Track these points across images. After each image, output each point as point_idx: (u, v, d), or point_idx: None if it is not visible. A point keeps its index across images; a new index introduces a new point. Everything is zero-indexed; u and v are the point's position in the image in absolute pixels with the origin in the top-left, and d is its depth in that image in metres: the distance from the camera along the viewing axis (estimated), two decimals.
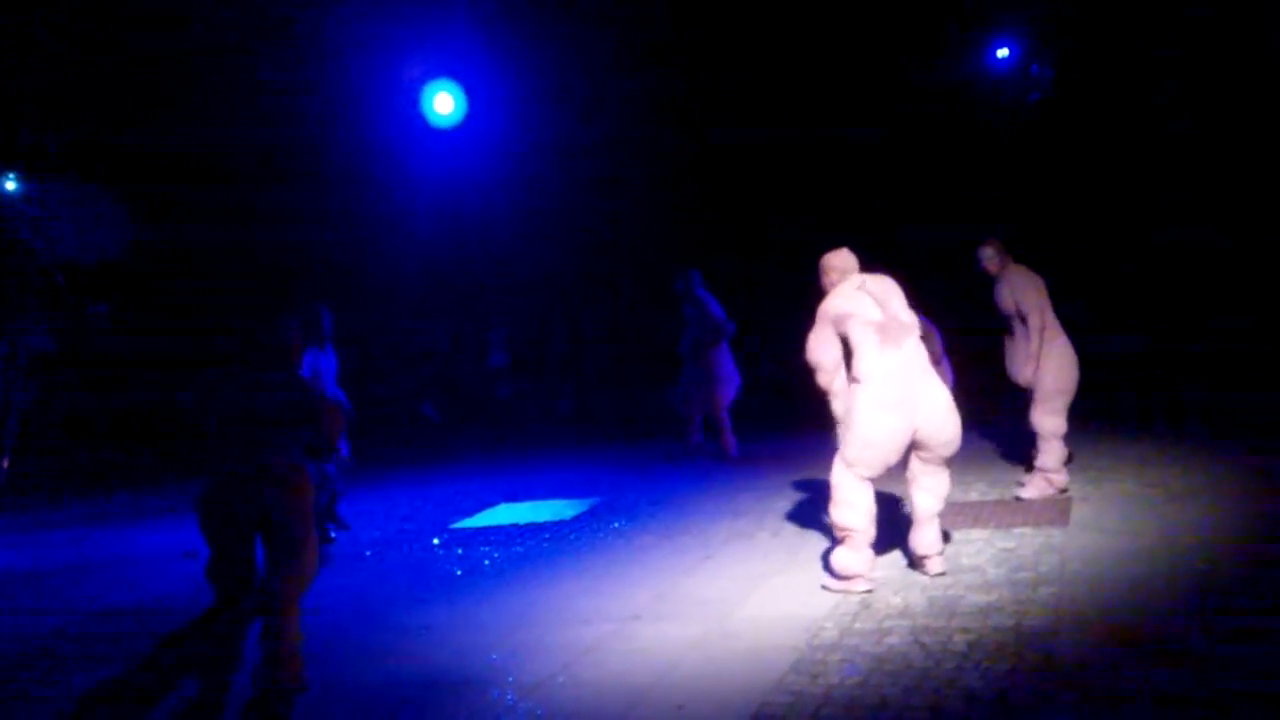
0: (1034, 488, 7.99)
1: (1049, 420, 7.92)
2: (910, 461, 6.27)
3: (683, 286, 10.94)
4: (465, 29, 13.90)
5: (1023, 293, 7.85)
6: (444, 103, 13.85)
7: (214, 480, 5.30)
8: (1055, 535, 6.95)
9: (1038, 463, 8.00)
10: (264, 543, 5.35)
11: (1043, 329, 7.81)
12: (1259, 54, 13.22)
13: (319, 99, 13.98)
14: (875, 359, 6.06)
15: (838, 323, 6.17)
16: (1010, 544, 6.85)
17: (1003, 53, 14.97)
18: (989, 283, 8.09)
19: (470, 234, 16.14)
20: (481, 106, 14.26)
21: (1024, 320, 7.87)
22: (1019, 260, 8.01)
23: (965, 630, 5.41)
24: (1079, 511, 7.48)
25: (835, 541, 6.37)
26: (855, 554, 6.16)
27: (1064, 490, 7.97)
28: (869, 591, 6.12)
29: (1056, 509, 7.60)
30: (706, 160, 15.38)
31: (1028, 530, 7.13)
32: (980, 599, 5.86)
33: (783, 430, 12.03)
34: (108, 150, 13.21)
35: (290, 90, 13.80)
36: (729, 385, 10.99)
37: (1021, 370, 7.90)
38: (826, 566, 6.36)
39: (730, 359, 10.99)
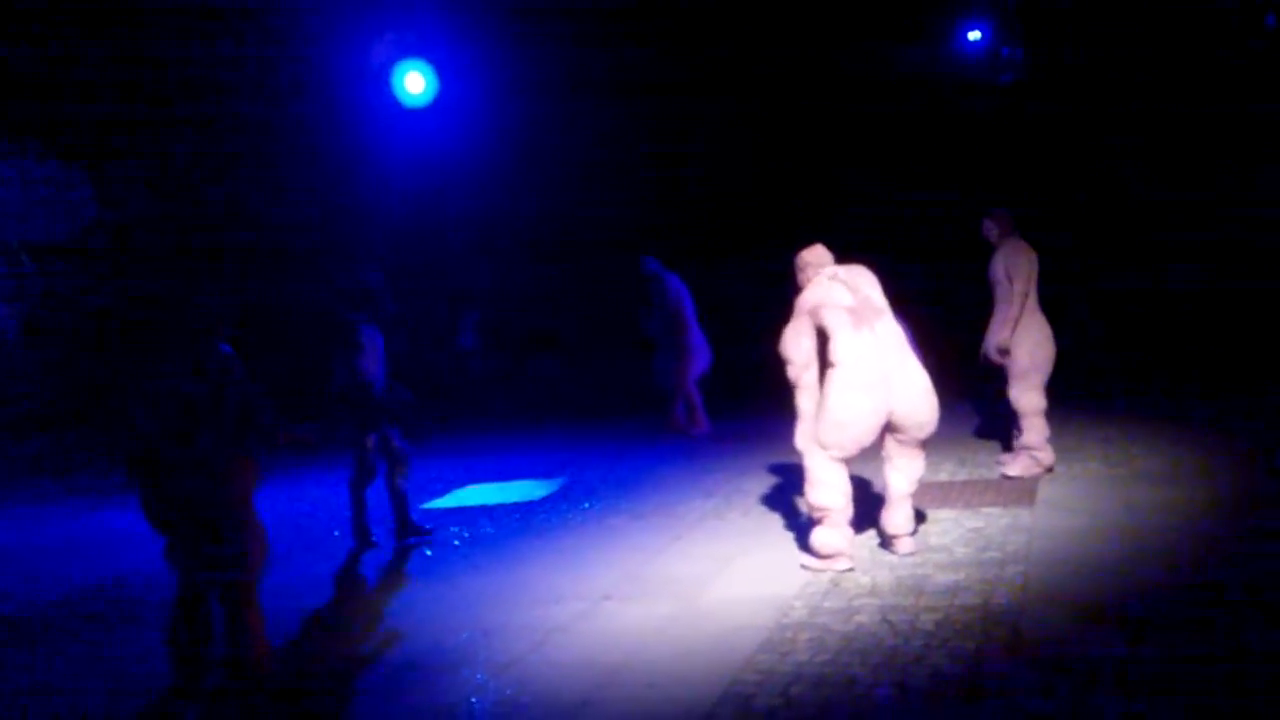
0: (1019, 465, 8.01)
1: (1027, 397, 7.94)
2: (885, 442, 6.31)
3: (649, 269, 11.12)
4: (436, 8, 13.82)
5: (1014, 262, 7.84)
6: (415, 82, 13.78)
7: (144, 471, 5.19)
8: (1022, 515, 7.01)
9: (1022, 441, 8.01)
10: (208, 531, 5.26)
11: (1025, 297, 7.82)
12: (1227, 30, 13.33)
13: (288, 77, 13.88)
14: (849, 342, 6.09)
15: (813, 313, 6.20)
16: (978, 523, 6.91)
17: (974, 35, 15.02)
18: (986, 254, 8.09)
19: (441, 214, 16.08)
20: (453, 86, 14.21)
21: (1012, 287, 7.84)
22: (1023, 235, 8.01)
23: (933, 609, 5.46)
24: (1046, 491, 7.54)
25: (809, 521, 6.40)
26: (835, 532, 6.21)
27: (1050, 468, 7.99)
28: (850, 569, 6.15)
29: (1024, 489, 7.66)
30: (678, 140, 15.37)
31: (995, 510, 7.18)
32: (948, 578, 5.91)
33: (754, 410, 12.06)
34: (70, 125, 13.06)
35: (259, 68, 13.71)
36: (698, 359, 11.16)
37: (996, 334, 7.88)
38: (806, 546, 6.39)
39: (700, 334, 11.14)
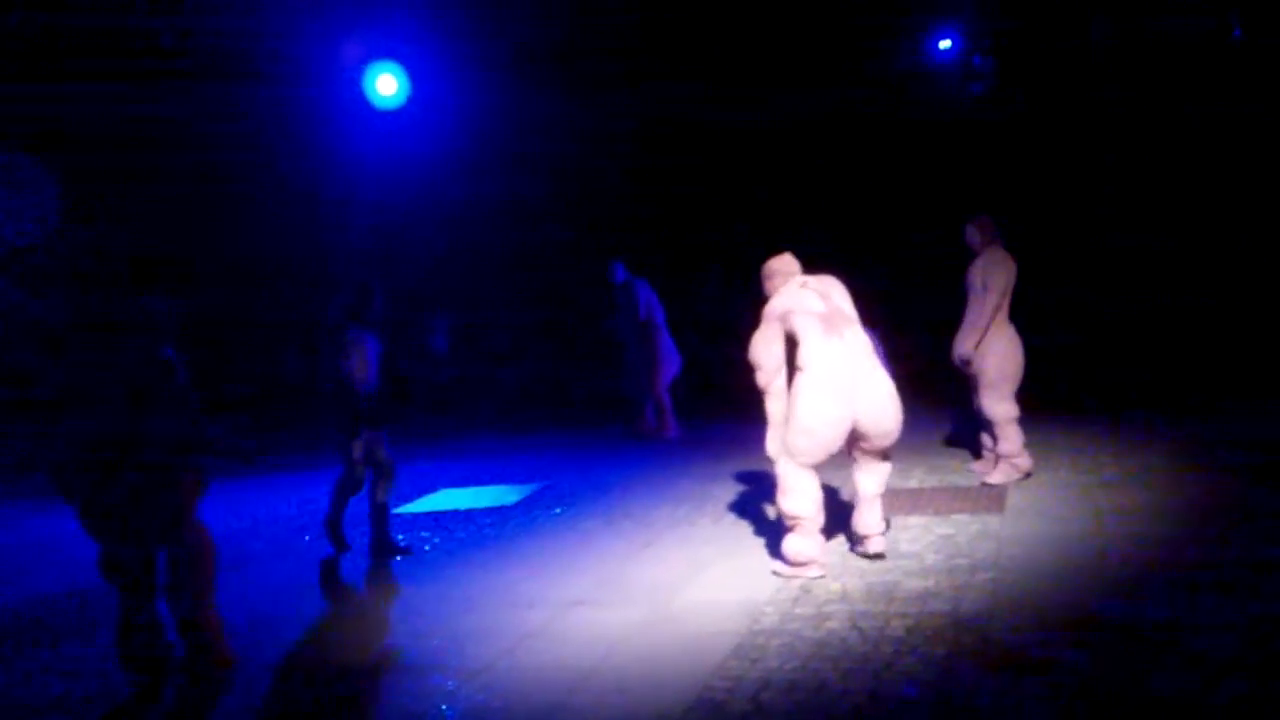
0: (1000, 473, 8.03)
1: (999, 406, 7.96)
2: (853, 450, 6.34)
3: (619, 276, 11.19)
4: (407, 9, 13.79)
5: (993, 272, 7.85)
6: (387, 84, 13.76)
7: (79, 476, 5.11)
8: (992, 522, 7.05)
9: (999, 449, 8.03)
10: (152, 537, 5.21)
11: (996, 309, 7.85)
12: (1194, 34, 13.48)
13: (260, 77, 13.81)
14: (817, 348, 6.12)
15: (783, 319, 6.22)
16: (948, 530, 6.94)
17: (945, 44, 15.11)
18: (962, 261, 8.11)
19: (412, 217, 16.03)
20: (425, 87, 14.18)
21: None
22: (1005, 245, 8.03)
23: (903, 615, 5.49)
24: (1015, 498, 7.59)
25: (779, 528, 6.41)
26: (806, 539, 6.22)
27: (1028, 474, 8.02)
28: (822, 576, 6.17)
29: (993, 496, 7.70)
30: (650, 144, 15.38)
31: (965, 516, 7.22)
32: (918, 584, 5.94)
33: (724, 416, 12.08)
34: (34, 123, 12.94)
35: (229, 66, 13.63)
36: (669, 365, 11.22)
37: (963, 342, 7.91)
38: (777, 553, 6.40)
39: (670, 340, 11.21)
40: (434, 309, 15.43)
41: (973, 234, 8.09)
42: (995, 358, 7.90)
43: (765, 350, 6.26)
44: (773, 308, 6.34)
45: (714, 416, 12.17)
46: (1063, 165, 14.65)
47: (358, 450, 7.39)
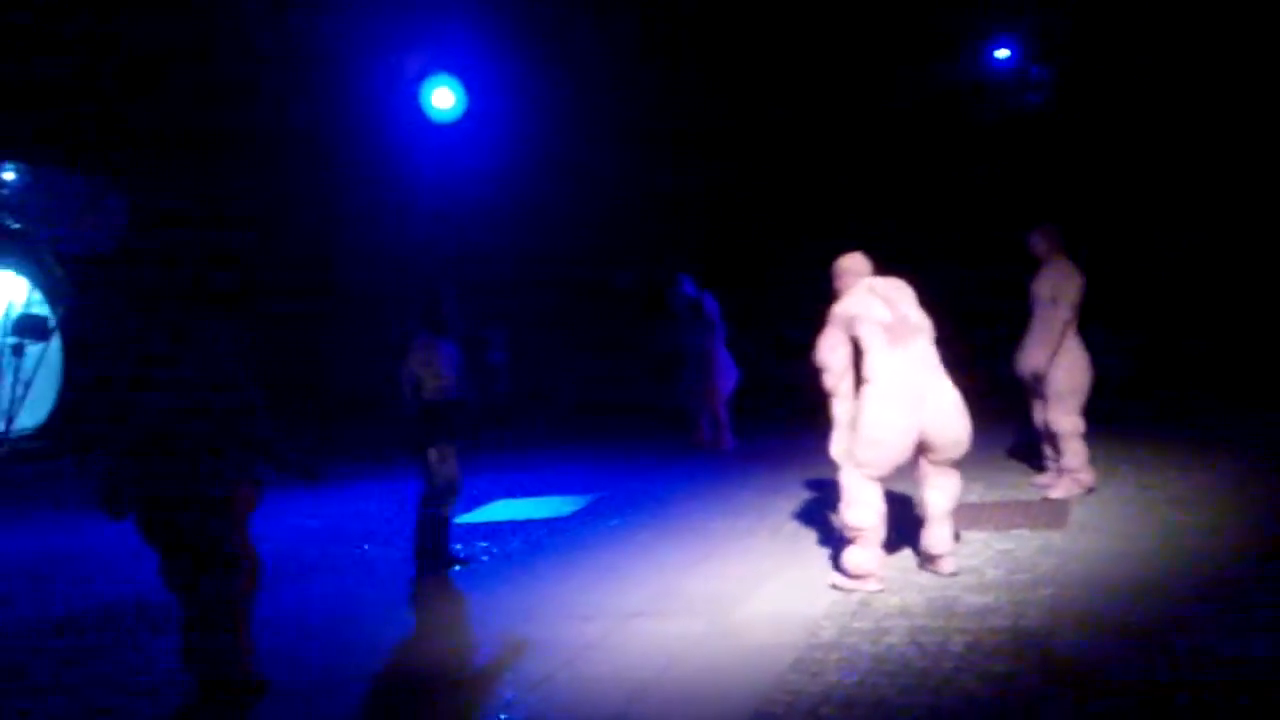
0: (1062, 488, 7.97)
1: (1067, 420, 7.89)
2: (920, 462, 6.29)
3: (688, 289, 11.25)
4: (466, 24, 13.91)
5: (1065, 287, 7.80)
6: (444, 97, 13.88)
7: (136, 499, 5.14)
8: (1054, 537, 6.98)
9: (1063, 463, 7.97)
10: (195, 558, 5.22)
11: (1069, 324, 7.80)
12: (1257, 54, 13.26)
13: (320, 95, 14.00)
14: (883, 359, 6.11)
15: (848, 325, 6.21)
16: (1008, 545, 6.88)
17: (1002, 54, 15.00)
18: (1031, 270, 8.03)
19: (470, 230, 16.14)
20: (481, 101, 14.30)
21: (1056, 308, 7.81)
22: (1072, 255, 7.96)
23: (963, 631, 5.44)
24: (1078, 513, 7.51)
25: (839, 540, 6.39)
26: (867, 552, 6.18)
27: (1091, 489, 7.94)
28: (880, 590, 6.12)
29: (1055, 511, 7.62)
30: (709, 160, 15.40)
31: (1026, 532, 7.15)
32: (978, 600, 5.89)
33: (782, 428, 12.06)
34: (104, 136, 13.20)
35: (291, 84, 13.82)
36: (727, 379, 11.24)
37: (1035, 359, 7.84)
38: (837, 565, 6.36)
39: (727, 354, 11.24)
40: (491, 322, 15.52)
41: (1038, 243, 8.02)
42: (1064, 371, 7.83)
43: (831, 352, 6.25)
44: (839, 310, 6.31)
45: (770, 429, 12.16)
46: (1121, 174, 14.47)
47: (433, 458, 7.27)
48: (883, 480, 6.21)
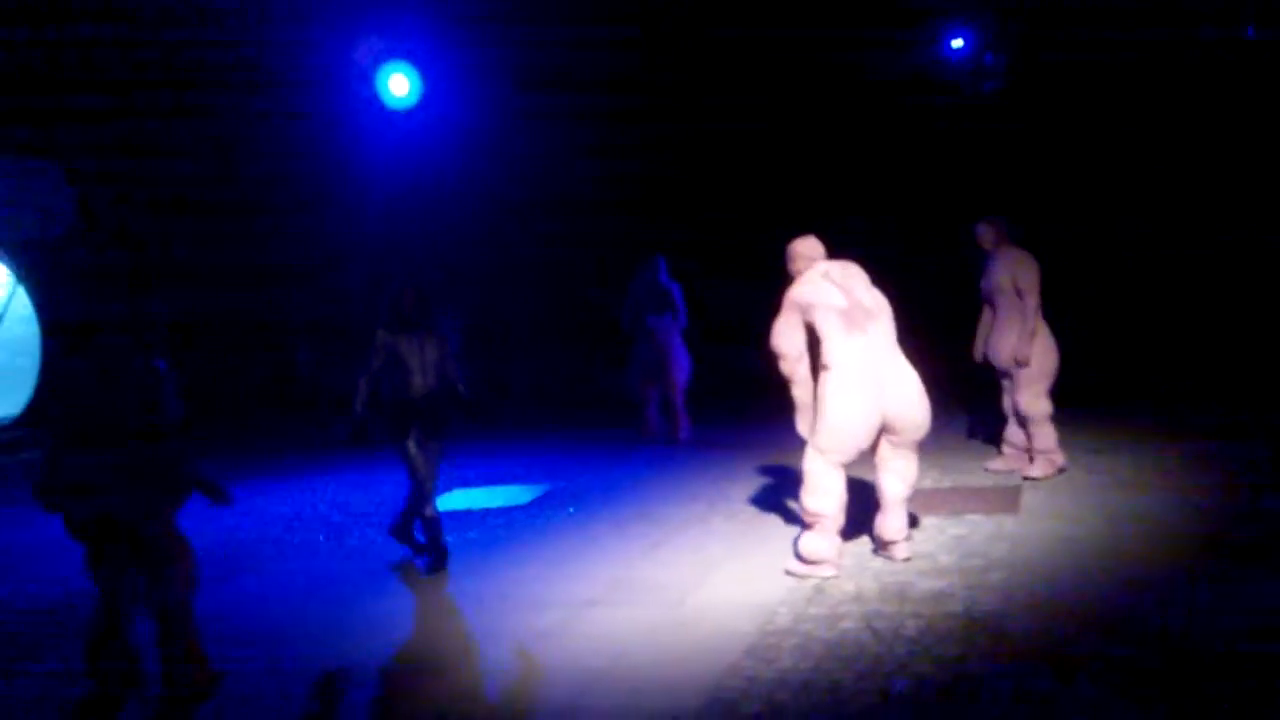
0: (1039, 468, 8.09)
1: (1037, 403, 8.03)
2: (880, 446, 6.31)
3: (663, 276, 11.16)
4: (420, 10, 13.81)
5: (1026, 275, 7.93)
6: (399, 84, 13.79)
7: (70, 490, 5.03)
8: (1006, 522, 7.04)
9: (1035, 445, 8.10)
10: (130, 546, 5.13)
11: (1037, 309, 7.94)
12: (1212, 40, 13.41)
13: (272, 77, 13.85)
14: (841, 345, 6.13)
15: (804, 311, 6.23)
16: (961, 530, 6.93)
17: (957, 43, 15.05)
18: (978, 261, 8.20)
19: (424, 217, 16.05)
20: (438, 88, 14.20)
21: (1020, 297, 7.93)
22: (1018, 242, 8.11)
23: (917, 615, 5.48)
24: (1029, 498, 7.58)
25: (801, 526, 6.40)
26: (824, 539, 6.21)
27: (1063, 469, 8.11)
28: (835, 576, 6.15)
29: (1007, 496, 7.69)
30: (659, 146, 15.37)
31: (979, 517, 7.21)
32: (932, 585, 5.92)
33: (735, 415, 12.08)
34: (49, 120, 13.01)
35: (242, 67, 13.68)
36: (682, 369, 11.21)
37: (1017, 348, 7.96)
38: (794, 551, 6.38)
39: (682, 344, 11.20)
40: (444, 309, 15.45)
41: (984, 233, 8.18)
42: (1035, 355, 7.96)
43: (786, 337, 6.27)
44: (794, 296, 6.32)
45: (722, 417, 12.17)
46: (1075, 163, 14.60)
47: (408, 452, 7.03)
48: (845, 466, 6.22)
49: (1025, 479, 8.07)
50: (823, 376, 6.21)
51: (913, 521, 6.80)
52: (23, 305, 13.97)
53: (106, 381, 5.10)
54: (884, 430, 6.24)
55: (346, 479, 10.73)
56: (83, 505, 5.03)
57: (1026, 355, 7.94)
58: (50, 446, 5.12)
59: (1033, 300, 7.92)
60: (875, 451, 6.36)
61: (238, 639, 6.16)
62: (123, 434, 5.01)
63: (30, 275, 13.86)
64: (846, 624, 5.46)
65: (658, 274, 11.21)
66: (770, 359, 6.37)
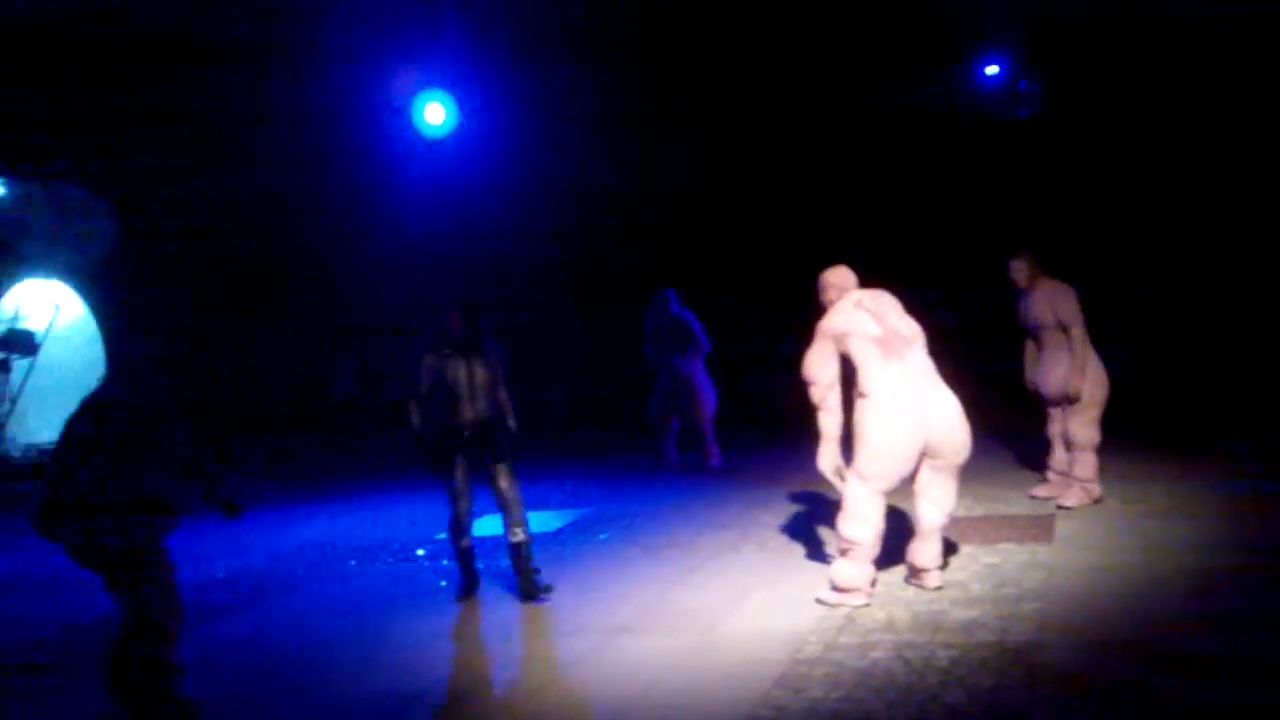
0: (1074, 497, 8.05)
1: (1086, 431, 8.00)
2: (919, 472, 6.28)
3: (674, 306, 11.16)
4: (457, 40, 13.95)
5: (1065, 304, 7.94)
6: (435, 113, 13.94)
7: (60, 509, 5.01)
8: (1039, 551, 6.99)
9: (1075, 472, 8.06)
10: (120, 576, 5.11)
11: (1085, 340, 7.94)
12: (1248, 71, 13.32)
13: (310, 109, 14.05)
14: (879, 373, 6.12)
15: (838, 341, 6.23)
16: (994, 559, 6.88)
17: (992, 70, 15.04)
18: (1014, 296, 8.22)
19: (461, 244, 16.17)
20: (473, 117, 14.33)
21: (1064, 330, 7.94)
22: (1051, 273, 8.11)
23: (949, 645, 5.43)
24: (1063, 527, 7.52)
25: (827, 556, 6.37)
26: (857, 568, 6.16)
27: (1099, 500, 8.04)
28: (866, 605, 6.10)
29: (1041, 525, 7.63)
30: (694, 178, 15.43)
31: (1012, 546, 7.16)
32: (964, 614, 5.88)
33: (766, 443, 12.06)
34: (97, 155, 13.25)
35: (281, 100, 13.88)
36: (709, 399, 11.20)
37: (1069, 380, 7.94)
38: (825, 581, 6.34)
39: (706, 373, 11.21)
40: (491, 332, 15.53)
41: (1018, 270, 8.19)
42: (1089, 383, 7.95)
43: (819, 366, 6.25)
44: (828, 326, 6.32)
45: (751, 445, 12.16)
46: (1111, 190, 14.52)
47: (451, 484, 6.91)
48: (888, 494, 6.19)
49: (1059, 508, 8.00)
50: (861, 404, 6.20)
51: (949, 549, 6.75)
52: (71, 328, 14.28)
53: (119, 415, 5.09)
54: (925, 455, 6.21)
55: (379, 503, 10.80)
56: (75, 534, 5.03)
57: (1078, 388, 7.93)
58: (53, 477, 5.10)
59: (1078, 331, 7.92)
60: (914, 478, 6.33)
61: (267, 663, 6.22)
62: (128, 463, 5.00)
63: (97, 302, 14.19)
64: (877, 653, 5.42)
65: (668, 306, 11.21)
66: (802, 387, 6.35)
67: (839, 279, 6.51)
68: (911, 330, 6.36)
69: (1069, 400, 8.01)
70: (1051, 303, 7.98)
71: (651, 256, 14.47)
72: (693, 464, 11.28)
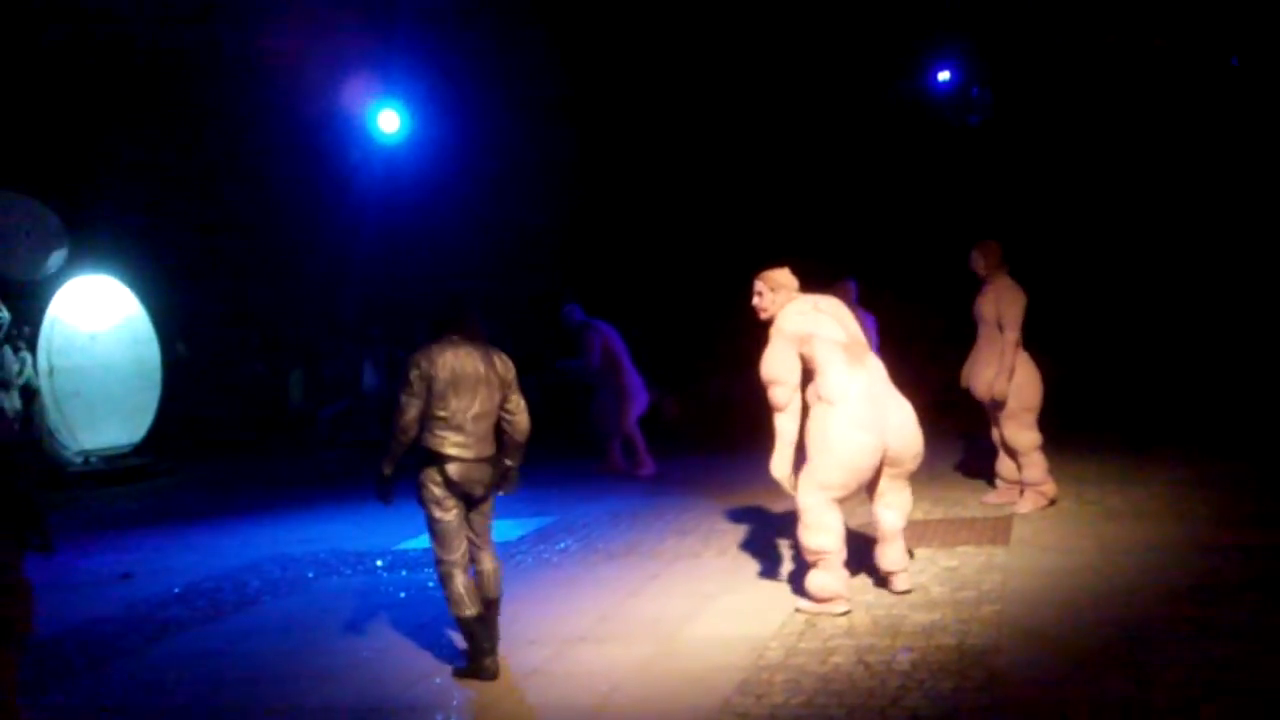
0: (1028, 502, 8.00)
1: (1024, 435, 7.93)
2: (878, 481, 6.26)
3: (575, 318, 11.19)
4: (409, 50, 13.96)
5: (1008, 304, 7.83)
6: (389, 120, 13.93)
7: None
8: (997, 554, 7.02)
9: (1024, 477, 8.01)
10: None
11: (1017, 345, 7.84)
12: (1192, 69, 13.54)
13: (266, 115, 14.00)
14: (844, 379, 6.05)
15: (800, 342, 6.10)
16: (953, 563, 6.91)
17: (944, 76, 15.17)
18: (972, 288, 8.10)
19: (411, 250, 16.15)
20: (425, 123, 14.32)
21: (1001, 330, 7.83)
22: (1012, 271, 7.99)
23: (909, 649, 5.45)
24: (1021, 529, 7.56)
25: (794, 562, 6.34)
26: (830, 575, 6.09)
27: (1053, 500, 7.99)
28: (848, 612, 6.06)
29: (998, 528, 7.67)
30: (640, 179, 15.49)
31: (970, 549, 7.19)
32: (924, 618, 5.90)
33: (726, 450, 12.07)
34: (47, 164, 13.15)
35: (238, 107, 13.82)
36: (637, 400, 11.17)
37: (994, 384, 7.85)
38: (798, 589, 6.30)
39: (636, 376, 11.16)
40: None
41: (977, 260, 8.03)
42: (1016, 388, 7.87)
43: (783, 366, 6.09)
44: (787, 327, 6.15)
45: (716, 452, 12.17)
46: (1062, 195, 14.68)
47: (449, 514, 5.79)
48: (843, 503, 6.16)
49: (1016, 515, 7.96)
50: (820, 411, 6.09)
51: (910, 554, 6.76)
52: (119, 329, 14.23)
53: None
54: (884, 463, 6.18)
55: (337, 514, 10.71)
56: None
57: (1003, 392, 7.85)
58: None
59: (1012, 335, 7.80)
60: (872, 487, 6.31)
61: (223, 678, 6.14)
62: None
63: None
64: (838, 659, 5.43)
65: (571, 316, 11.16)
66: (762, 388, 6.19)
67: (787, 280, 6.33)
68: (863, 337, 6.33)
69: (996, 403, 7.94)
70: (997, 300, 7.85)
71: (598, 259, 14.50)
72: (626, 472, 11.29)
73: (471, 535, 5.87)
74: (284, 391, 16.47)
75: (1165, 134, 14.06)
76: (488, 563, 5.90)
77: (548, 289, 14.51)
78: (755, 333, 6.40)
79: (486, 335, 5.89)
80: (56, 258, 13.69)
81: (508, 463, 5.90)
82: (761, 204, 15.40)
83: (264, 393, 16.05)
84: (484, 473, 5.79)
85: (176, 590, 8.10)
